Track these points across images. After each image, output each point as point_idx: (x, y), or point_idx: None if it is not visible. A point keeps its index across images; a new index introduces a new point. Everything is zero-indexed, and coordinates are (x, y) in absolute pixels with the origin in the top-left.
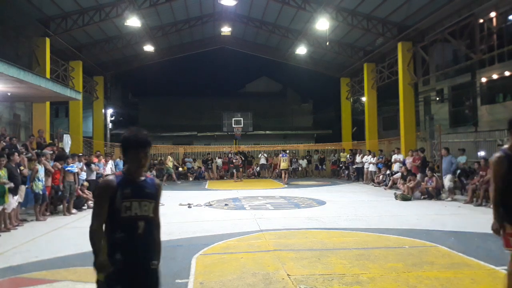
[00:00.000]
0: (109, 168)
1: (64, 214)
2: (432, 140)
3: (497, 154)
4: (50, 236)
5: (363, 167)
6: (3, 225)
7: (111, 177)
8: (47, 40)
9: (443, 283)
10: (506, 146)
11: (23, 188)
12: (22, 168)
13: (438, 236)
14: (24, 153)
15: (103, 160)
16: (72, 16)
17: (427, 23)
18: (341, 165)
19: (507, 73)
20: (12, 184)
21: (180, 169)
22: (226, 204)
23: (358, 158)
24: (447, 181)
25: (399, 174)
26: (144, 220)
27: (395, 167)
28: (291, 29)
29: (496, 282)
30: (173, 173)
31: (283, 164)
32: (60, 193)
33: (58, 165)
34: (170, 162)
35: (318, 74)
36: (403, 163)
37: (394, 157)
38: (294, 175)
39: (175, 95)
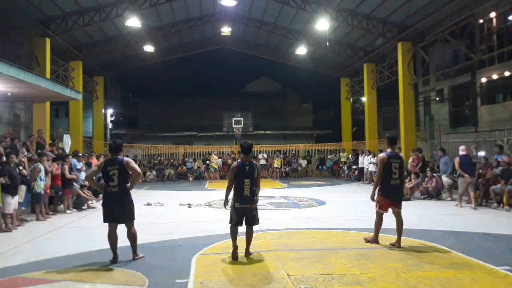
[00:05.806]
0: None
1: (65, 212)
2: (432, 140)
3: (382, 155)
4: (50, 236)
5: (363, 167)
6: (3, 225)
7: None
8: (47, 40)
9: (443, 283)
10: (388, 150)
11: (23, 188)
12: (21, 168)
13: (438, 236)
14: (25, 154)
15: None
16: (72, 16)
17: (427, 23)
18: (341, 165)
19: (507, 73)
20: (3, 180)
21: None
22: None
23: (360, 159)
24: (444, 179)
25: None
26: None
27: None
28: (291, 29)
29: (496, 282)
30: (213, 171)
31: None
32: (60, 193)
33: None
34: (214, 160)
35: (318, 74)
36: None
37: None
38: (295, 175)
39: (175, 95)
